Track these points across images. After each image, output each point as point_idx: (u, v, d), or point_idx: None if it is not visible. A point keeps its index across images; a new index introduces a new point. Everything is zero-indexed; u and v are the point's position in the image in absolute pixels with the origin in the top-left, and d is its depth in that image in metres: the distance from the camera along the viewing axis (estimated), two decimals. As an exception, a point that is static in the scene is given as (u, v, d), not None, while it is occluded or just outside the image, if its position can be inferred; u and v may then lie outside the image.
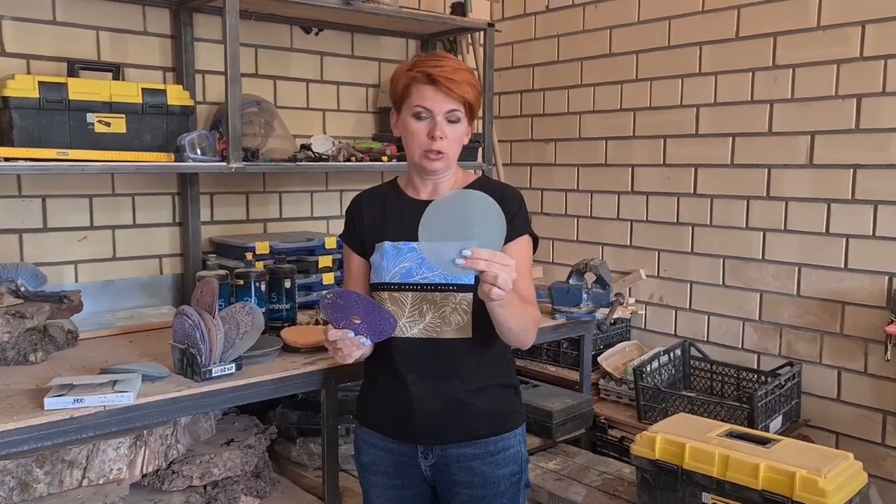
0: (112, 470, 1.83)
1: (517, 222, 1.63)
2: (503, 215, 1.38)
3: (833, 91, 2.53)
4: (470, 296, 1.59)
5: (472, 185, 1.67)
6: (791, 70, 2.63)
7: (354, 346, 1.52)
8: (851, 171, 2.51)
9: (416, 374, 1.59)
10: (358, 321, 1.49)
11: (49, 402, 1.60)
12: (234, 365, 1.85)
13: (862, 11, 2.45)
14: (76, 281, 2.48)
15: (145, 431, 1.87)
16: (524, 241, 1.66)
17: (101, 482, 1.82)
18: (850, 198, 2.52)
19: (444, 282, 1.58)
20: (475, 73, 1.90)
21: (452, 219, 1.31)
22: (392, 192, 1.70)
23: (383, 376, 1.64)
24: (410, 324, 1.59)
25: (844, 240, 2.54)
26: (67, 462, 1.77)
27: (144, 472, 1.89)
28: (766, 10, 2.68)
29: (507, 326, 1.52)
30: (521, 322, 1.54)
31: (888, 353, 2.41)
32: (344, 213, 1.76)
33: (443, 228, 1.31)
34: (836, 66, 2.52)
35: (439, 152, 1.55)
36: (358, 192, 1.75)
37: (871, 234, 2.48)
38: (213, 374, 1.81)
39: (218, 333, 1.81)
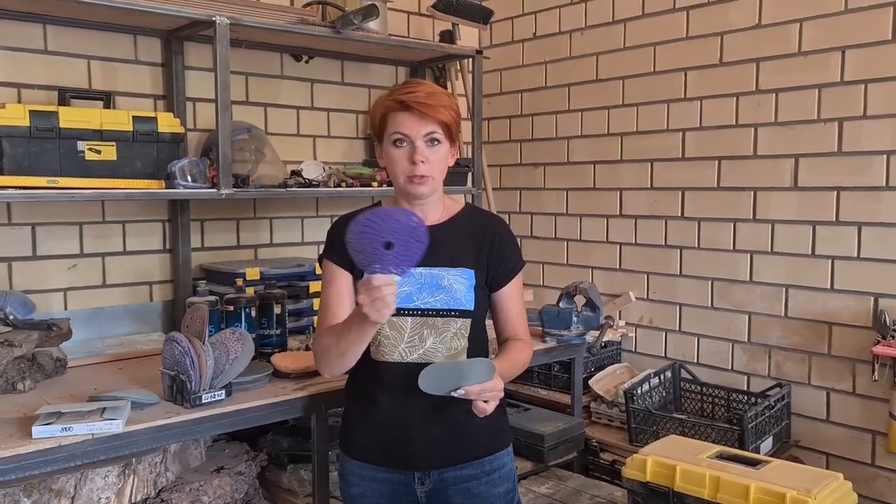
0: (100, 499, 1.82)
1: (509, 259, 1.68)
2: (492, 365, 1.49)
3: (815, 115, 2.57)
4: (469, 321, 1.61)
5: (459, 214, 1.69)
6: (774, 94, 2.68)
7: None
8: (835, 193, 2.55)
9: (415, 400, 1.56)
10: (390, 248, 1.35)
11: (37, 430, 1.59)
12: (223, 391, 1.85)
13: (842, 37, 2.50)
14: (65, 308, 2.47)
15: (134, 459, 1.86)
16: (518, 280, 1.72)
17: (88, 511, 1.80)
18: (834, 220, 2.55)
19: (445, 307, 1.59)
20: (453, 95, 1.93)
21: (450, 374, 1.48)
22: None
23: (374, 404, 1.63)
24: (410, 349, 1.59)
25: (830, 261, 2.57)
26: (55, 491, 1.76)
27: (133, 500, 1.88)
28: (748, 36, 2.73)
29: None
30: (513, 376, 1.68)
31: (875, 373, 2.43)
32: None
33: (442, 381, 1.47)
34: (817, 90, 2.56)
35: (423, 176, 1.57)
36: (341, 215, 1.71)
37: (855, 255, 2.51)
38: (203, 401, 1.80)
39: (207, 359, 1.81)
